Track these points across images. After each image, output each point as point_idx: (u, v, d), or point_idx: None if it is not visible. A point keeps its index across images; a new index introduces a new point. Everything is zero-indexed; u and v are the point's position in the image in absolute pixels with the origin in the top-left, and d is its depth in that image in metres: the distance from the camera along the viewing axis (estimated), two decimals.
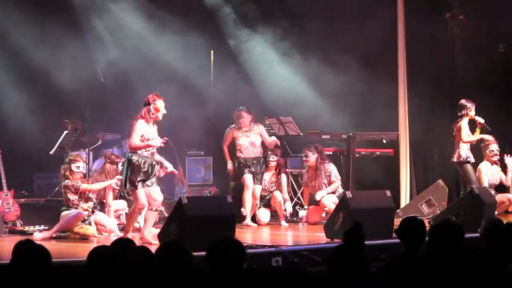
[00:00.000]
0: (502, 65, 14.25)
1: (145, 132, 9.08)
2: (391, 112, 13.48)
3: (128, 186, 9.07)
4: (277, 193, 11.92)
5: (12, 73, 11.92)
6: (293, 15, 13.89)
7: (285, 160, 12.77)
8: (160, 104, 9.21)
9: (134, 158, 8.99)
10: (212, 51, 14.18)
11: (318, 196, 11.78)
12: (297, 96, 13.85)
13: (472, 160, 11.64)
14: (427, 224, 6.54)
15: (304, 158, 12.12)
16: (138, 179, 8.98)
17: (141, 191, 9.01)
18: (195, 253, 4.82)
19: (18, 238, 8.32)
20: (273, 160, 12.04)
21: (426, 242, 5.16)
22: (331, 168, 12.05)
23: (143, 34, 13.21)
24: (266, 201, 11.98)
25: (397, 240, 5.96)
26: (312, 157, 12.01)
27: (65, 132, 11.33)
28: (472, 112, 11.48)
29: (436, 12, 13.92)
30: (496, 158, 12.11)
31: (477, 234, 6.31)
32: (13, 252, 4.95)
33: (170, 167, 9.79)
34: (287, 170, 13.02)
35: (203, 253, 4.74)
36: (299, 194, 12.86)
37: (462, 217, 9.72)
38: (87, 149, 11.80)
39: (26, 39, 12.09)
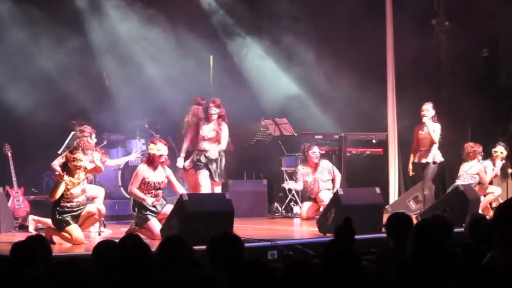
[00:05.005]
0: (485, 69, 14.45)
1: (146, 176, 9.44)
2: (381, 114, 13.70)
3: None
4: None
5: (23, 75, 12.10)
6: (289, 20, 14.02)
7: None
8: (154, 148, 9.48)
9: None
10: (211, 56, 14.26)
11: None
12: (292, 98, 14.07)
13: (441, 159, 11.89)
14: (414, 220, 6.96)
15: (313, 154, 12.26)
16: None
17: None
18: (195, 247, 4.87)
19: (28, 233, 8.48)
20: (215, 112, 11.24)
21: (414, 236, 5.26)
22: (330, 164, 12.40)
23: (143, 38, 13.38)
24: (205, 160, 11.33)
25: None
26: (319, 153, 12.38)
27: (72, 133, 11.44)
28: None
29: (423, 19, 14.10)
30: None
31: (462, 229, 6.54)
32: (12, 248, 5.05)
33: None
34: (282, 168, 13.34)
35: (203, 247, 4.84)
36: (293, 191, 13.02)
37: (448, 213, 9.95)
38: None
39: (33, 40, 12.28)
